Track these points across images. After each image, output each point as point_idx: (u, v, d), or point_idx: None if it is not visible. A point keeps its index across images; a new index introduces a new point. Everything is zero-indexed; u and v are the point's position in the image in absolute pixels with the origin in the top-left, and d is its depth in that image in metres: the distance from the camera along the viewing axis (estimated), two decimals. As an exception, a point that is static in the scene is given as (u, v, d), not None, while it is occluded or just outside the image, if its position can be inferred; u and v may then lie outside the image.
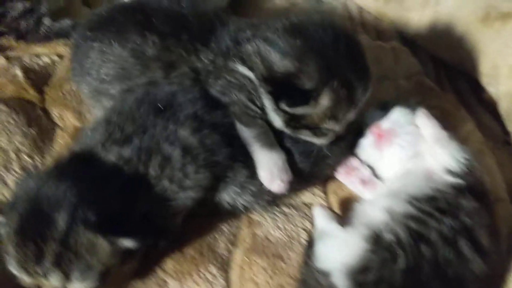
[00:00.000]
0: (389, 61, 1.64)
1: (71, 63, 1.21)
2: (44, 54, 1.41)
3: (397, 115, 1.21)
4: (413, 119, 1.19)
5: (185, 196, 1.01)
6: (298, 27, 1.07)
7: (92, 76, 1.14)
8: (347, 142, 1.22)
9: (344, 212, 1.20)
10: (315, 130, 1.09)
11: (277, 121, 1.09)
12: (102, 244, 0.89)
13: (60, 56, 1.42)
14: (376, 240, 0.97)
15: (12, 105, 1.25)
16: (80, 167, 0.95)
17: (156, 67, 1.11)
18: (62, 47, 1.43)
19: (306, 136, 1.10)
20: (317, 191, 1.24)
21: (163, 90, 1.08)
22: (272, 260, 1.08)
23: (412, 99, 1.30)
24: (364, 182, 1.21)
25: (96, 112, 1.20)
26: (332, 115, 1.06)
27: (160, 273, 1.05)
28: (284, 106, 1.04)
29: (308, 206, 1.20)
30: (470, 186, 1.08)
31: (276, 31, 1.07)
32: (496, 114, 1.51)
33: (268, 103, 1.07)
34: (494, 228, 1.06)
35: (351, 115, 1.09)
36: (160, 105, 1.03)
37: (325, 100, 1.03)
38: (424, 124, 1.15)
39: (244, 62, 1.08)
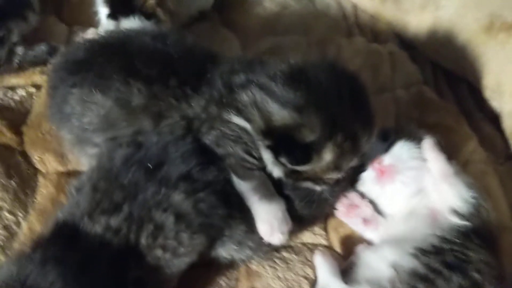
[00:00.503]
0: (387, 69, 1.56)
1: (48, 105, 1.12)
2: (19, 86, 1.30)
3: (399, 150, 1.15)
4: (416, 152, 1.13)
5: (179, 263, 0.96)
6: (297, 73, 0.99)
7: (73, 123, 1.06)
8: (348, 179, 1.15)
9: (346, 250, 1.16)
10: (317, 180, 1.02)
11: (277, 172, 1.02)
12: None
13: (37, 87, 1.31)
14: (383, 306, 0.93)
15: (-12, 154, 1.17)
16: (65, 246, 0.89)
17: (143, 117, 1.02)
18: (38, 76, 1.32)
19: (307, 185, 1.04)
20: (317, 229, 1.19)
21: (153, 145, 1.00)
22: (274, 314, 1.04)
23: (413, 124, 1.23)
24: (366, 221, 1.16)
25: (81, 158, 1.12)
26: (335, 166, 1.00)
27: (157, 338, 1.00)
28: (284, 161, 0.97)
29: (309, 247, 1.16)
30: (477, 229, 1.04)
31: (273, 77, 0.98)
32: (498, 122, 1.44)
33: (266, 156, 1.00)
34: (501, 275, 1.02)
35: (354, 163, 1.03)
36: (150, 165, 0.96)
37: (328, 155, 0.97)
38: (431, 158, 1.10)
39: (239, 113, 0.99)
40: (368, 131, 1.00)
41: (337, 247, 1.17)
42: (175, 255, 0.94)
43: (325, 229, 1.19)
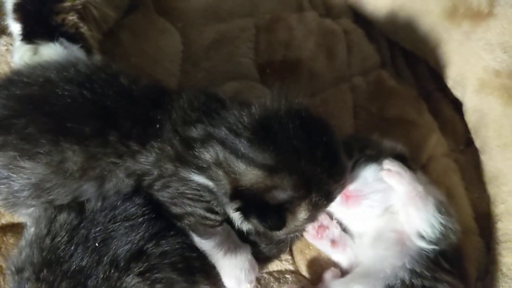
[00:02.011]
0: (342, 52, 1.46)
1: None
2: None
3: (363, 172, 1.08)
4: (381, 175, 1.07)
5: None
6: (264, 129, 0.88)
7: (2, 189, 0.92)
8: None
9: (314, 274, 1.13)
10: (292, 231, 0.97)
11: (247, 228, 0.95)
12: None
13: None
14: None
15: None
16: None
17: (83, 182, 0.90)
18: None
19: (282, 236, 0.98)
20: (283, 255, 1.13)
21: (97, 214, 0.89)
22: None
23: (376, 135, 1.16)
24: (334, 242, 1.12)
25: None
26: (310, 220, 0.94)
27: None
28: (255, 222, 0.89)
29: (275, 276, 1.11)
30: (444, 252, 1.02)
31: (236, 133, 0.88)
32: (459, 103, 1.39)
33: (234, 215, 0.92)
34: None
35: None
36: (96, 244, 0.85)
37: (303, 214, 0.90)
38: (394, 181, 1.05)
39: (201, 171, 0.89)
40: (341, 181, 0.93)
41: (304, 272, 1.13)
42: None
43: (291, 253, 1.15)
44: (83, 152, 0.88)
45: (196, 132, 0.91)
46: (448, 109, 1.44)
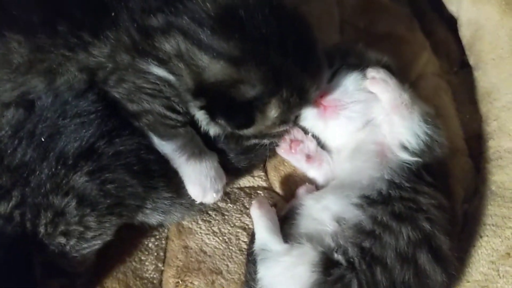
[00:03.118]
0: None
1: None
2: None
3: (343, 80, 0.99)
4: (363, 83, 0.98)
5: (89, 246, 0.83)
6: (229, 16, 0.79)
7: None
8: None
9: (288, 191, 1.06)
10: (264, 136, 0.90)
11: (214, 132, 0.88)
12: None
13: None
14: (325, 267, 0.84)
15: None
16: None
17: (31, 77, 0.82)
18: None
19: (253, 142, 0.91)
20: (255, 171, 1.06)
21: (46, 109, 0.81)
22: (210, 277, 0.95)
23: (361, 45, 1.07)
24: (309, 157, 1.04)
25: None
26: (282, 121, 0.86)
27: (81, 316, 0.91)
28: (222, 122, 0.82)
29: (247, 191, 1.04)
30: (428, 164, 0.94)
31: (199, 22, 0.79)
32: (453, 23, 1.29)
33: (199, 116, 0.85)
34: (453, 217, 0.95)
35: (303, 111, 0.90)
36: (43, 139, 0.78)
37: (273, 112, 0.82)
38: (379, 89, 0.96)
39: (161, 63, 0.81)
40: (316, 80, 0.85)
41: (278, 188, 1.06)
42: (83, 239, 0.81)
43: (264, 169, 1.07)
44: (29, 43, 0.80)
45: (155, 21, 0.83)
46: (442, 29, 1.33)
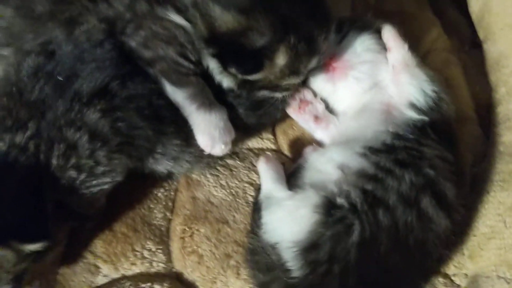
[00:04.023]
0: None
1: None
2: None
3: (353, 41, 1.02)
4: (371, 44, 1.02)
5: (98, 183, 0.86)
6: None
7: None
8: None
9: (296, 153, 1.07)
10: (275, 88, 0.92)
11: (227, 83, 0.91)
12: (4, 254, 0.76)
13: None
14: (327, 209, 0.85)
15: None
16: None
17: (52, 26, 0.87)
18: None
19: (264, 94, 0.93)
20: (264, 133, 1.09)
21: (65, 55, 0.86)
22: (216, 226, 0.97)
23: (370, 16, 1.09)
24: (317, 118, 1.06)
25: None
26: (292, 71, 0.89)
27: (90, 257, 0.93)
28: (233, 71, 0.86)
29: (255, 152, 1.07)
30: (434, 123, 0.95)
31: None
32: (464, 6, 1.31)
33: (213, 65, 0.88)
34: (459, 171, 0.95)
35: (313, 64, 0.92)
36: (60, 78, 0.83)
37: (281, 59, 0.85)
38: (391, 46, 0.99)
39: (179, 11, 0.86)
40: (324, 30, 0.88)
41: (286, 151, 1.08)
42: (93, 175, 0.84)
43: (273, 133, 1.10)
44: None
45: None
46: (453, 11, 1.36)
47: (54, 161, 0.81)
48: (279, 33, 0.83)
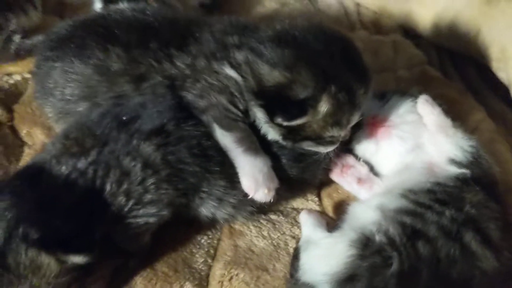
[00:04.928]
0: (388, 53, 1.52)
1: (33, 84, 1.14)
2: (16, 72, 1.34)
3: (395, 104, 1.09)
4: (412, 106, 1.07)
5: (145, 213, 0.91)
6: (283, 35, 0.97)
7: (56, 97, 1.05)
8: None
9: (340, 216, 1.07)
10: (318, 140, 0.97)
11: (273, 135, 0.99)
12: (48, 262, 0.79)
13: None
14: (364, 243, 0.84)
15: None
16: (26, 182, 0.87)
17: (123, 82, 1.01)
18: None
19: (308, 146, 0.99)
20: (309, 195, 1.12)
21: (132, 102, 0.98)
22: (256, 272, 0.96)
23: (414, 88, 1.16)
24: (360, 180, 1.09)
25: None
26: (334, 121, 0.95)
27: (129, 293, 0.94)
28: (280, 121, 0.93)
29: (299, 211, 1.08)
30: (476, 177, 0.95)
31: (262, 41, 0.97)
32: (509, 100, 1.36)
33: (259, 116, 0.97)
34: (505, 221, 0.91)
35: (355, 118, 0.98)
36: (124, 118, 0.94)
37: (324, 107, 0.92)
38: (426, 111, 1.03)
39: (233, 66, 0.98)
40: (363, 84, 0.95)
41: (331, 213, 1.09)
42: (140, 203, 0.90)
43: (319, 196, 1.12)
44: (126, 55, 1.01)
45: (231, 39, 1.01)
46: (497, 103, 1.41)
47: (107, 187, 0.88)
48: (320, 83, 0.91)
